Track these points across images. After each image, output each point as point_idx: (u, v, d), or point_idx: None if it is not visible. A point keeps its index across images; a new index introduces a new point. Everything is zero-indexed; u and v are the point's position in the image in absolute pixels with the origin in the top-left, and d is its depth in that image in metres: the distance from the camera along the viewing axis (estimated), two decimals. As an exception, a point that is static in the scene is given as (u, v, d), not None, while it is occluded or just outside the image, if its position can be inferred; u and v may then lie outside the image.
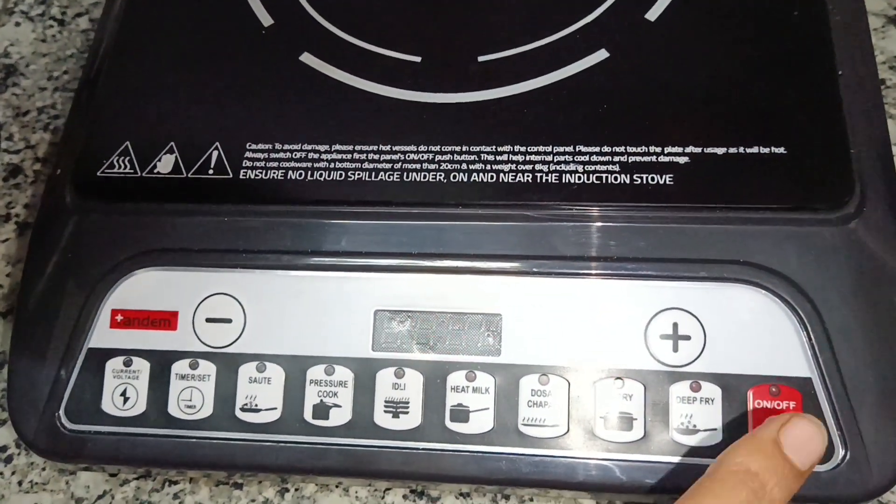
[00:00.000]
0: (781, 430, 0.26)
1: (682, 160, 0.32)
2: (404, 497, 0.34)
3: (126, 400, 0.32)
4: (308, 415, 0.31)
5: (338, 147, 0.34)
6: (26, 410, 0.33)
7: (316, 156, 0.34)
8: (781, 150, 0.31)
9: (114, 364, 0.33)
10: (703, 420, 0.29)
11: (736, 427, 0.29)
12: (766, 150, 0.31)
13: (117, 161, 0.34)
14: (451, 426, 0.31)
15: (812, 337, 0.29)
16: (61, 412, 0.33)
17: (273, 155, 0.34)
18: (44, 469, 0.36)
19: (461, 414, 0.31)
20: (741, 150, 0.32)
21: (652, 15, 0.36)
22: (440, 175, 0.33)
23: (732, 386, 0.30)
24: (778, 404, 0.29)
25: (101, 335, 0.33)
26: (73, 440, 0.32)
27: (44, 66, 0.47)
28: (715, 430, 0.29)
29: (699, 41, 0.35)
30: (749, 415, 0.29)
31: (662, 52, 0.35)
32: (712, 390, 0.30)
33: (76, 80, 0.46)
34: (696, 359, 0.30)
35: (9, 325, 0.39)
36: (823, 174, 0.31)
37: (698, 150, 0.32)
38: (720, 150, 0.32)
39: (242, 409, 0.32)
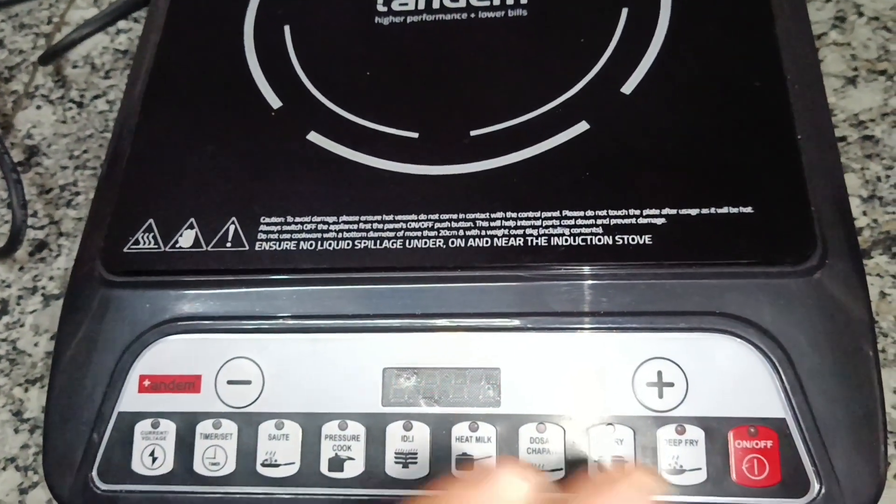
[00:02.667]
0: None
1: (660, 221, 0.35)
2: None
3: (154, 460, 0.35)
4: (324, 468, 0.34)
5: (344, 218, 0.37)
6: (61, 472, 0.35)
7: (325, 227, 0.37)
8: (749, 209, 0.34)
9: (142, 426, 0.35)
10: (689, 461, 0.32)
11: (719, 466, 0.32)
12: (735, 210, 0.35)
13: (142, 237, 0.37)
14: (458, 474, 0.33)
15: (784, 380, 0.32)
16: (94, 473, 0.35)
17: (285, 227, 0.37)
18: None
19: (467, 462, 0.33)
20: (712, 210, 0.35)
21: (627, 89, 0.39)
22: (439, 241, 0.36)
23: (714, 428, 0.32)
24: (756, 444, 0.32)
25: (131, 399, 0.35)
26: (106, 500, 0.35)
27: (64, 146, 0.50)
28: (700, 469, 0.32)
29: (670, 112, 0.38)
30: (730, 454, 0.32)
31: (638, 123, 0.38)
32: (696, 433, 0.32)
33: (96, 158, 0.49)
34: (679, 404, 0.33)
35: (37, 391, 0.42)
36: (788, 230, 0.34)
37: (673, 211, 0.35)
38: (693, 212, 0.35)
39: (263, 465, 0.34)
